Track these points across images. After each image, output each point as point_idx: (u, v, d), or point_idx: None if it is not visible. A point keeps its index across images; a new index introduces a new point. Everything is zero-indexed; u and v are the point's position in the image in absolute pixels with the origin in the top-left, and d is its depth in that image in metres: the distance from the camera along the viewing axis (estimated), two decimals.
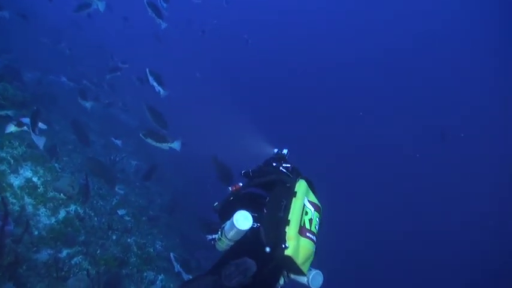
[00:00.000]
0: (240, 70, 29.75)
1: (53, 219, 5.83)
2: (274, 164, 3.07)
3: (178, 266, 6.74)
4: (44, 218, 5.76)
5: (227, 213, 2.55)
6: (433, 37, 31.27)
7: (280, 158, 3.18)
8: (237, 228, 2.25)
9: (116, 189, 8.92)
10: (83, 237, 5.80)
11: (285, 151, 3.24)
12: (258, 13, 36.87)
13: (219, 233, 2.47)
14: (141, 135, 6.68)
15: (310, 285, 2.42)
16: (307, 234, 2.39)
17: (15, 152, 6.41)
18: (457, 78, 29.91)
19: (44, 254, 5.10)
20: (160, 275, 6.62)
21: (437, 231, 20.07)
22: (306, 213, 2.48)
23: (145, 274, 6.26)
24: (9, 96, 6.99)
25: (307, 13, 36.87)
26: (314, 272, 2.45)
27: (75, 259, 5.45)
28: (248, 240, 2.35)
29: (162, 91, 7.22)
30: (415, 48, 32.07)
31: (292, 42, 34.20)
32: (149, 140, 6.59)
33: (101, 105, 12.74)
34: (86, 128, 11.05)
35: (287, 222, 2.35)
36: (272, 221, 2.38)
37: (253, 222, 2.31)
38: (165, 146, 6.62)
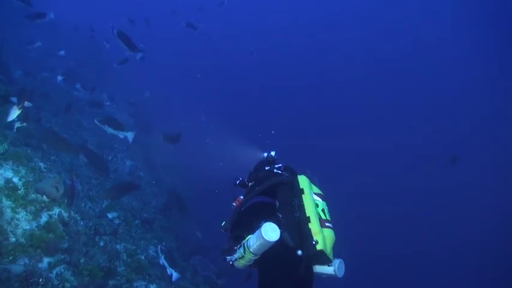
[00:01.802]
0: (239, 72, 29.44)
1: (34, 224, 5.30)
2: (266, 168, 3.09)
3: (163, 258, 6.33)
4: (24, 223, 5.23)
5: (241, 230, 2.58)
6: (433, 42, 30.93)
7: (270, 161, 3.21)
8: (267, 241, 2.20)
9: None
10: (66, 244, 5.26)
11: (272, 153, 3.25)
12: (255, 14, 36.48)
13: (241, 250, 2.42)
14: (96, 121, 6.59)
15: (337, 274, 2.45)
16: (326, 224, 2.47)
17: None
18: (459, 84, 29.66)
19: (21, 264, 4.56)
20: (152, 284, 6.10)
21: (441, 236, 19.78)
22: (317, 206, 2.54)
23: (135, 284, 5.74)
24: None
25: (306, 16, 36.35)
26: (338, 261, 2.49)
27: (56, 269, 4.93)
28: (275, 250, 2.30)
29: (132, 54, 6.98)
30: (415, 51, 31.80)
31: (296, 46, 33.79)
32: (106, 127, 6.55)
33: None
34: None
35: (308, 220, 2.40)
36: (292, 223, 2.41)
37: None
38: (120, 134, 6.90)
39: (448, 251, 18.93)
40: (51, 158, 7.52)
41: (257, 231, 2.28)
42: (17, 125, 6.50)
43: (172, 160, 14.90)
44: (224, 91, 24.56)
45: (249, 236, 2.38)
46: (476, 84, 28.68)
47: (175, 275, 6.22)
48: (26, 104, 5.45)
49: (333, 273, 2.45)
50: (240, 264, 2.49)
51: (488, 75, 27.62)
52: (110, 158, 9.89)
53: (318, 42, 35.06)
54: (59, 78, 10.10)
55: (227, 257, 2.58)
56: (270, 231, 2.21)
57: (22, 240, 4.92)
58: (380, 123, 28.57)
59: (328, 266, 2.47)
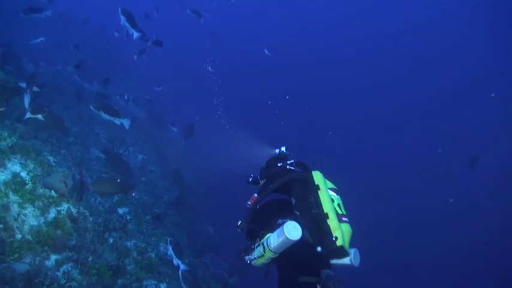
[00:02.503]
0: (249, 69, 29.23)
1: (42, 220, 5.13)
2: (279, 164, 3.02)
3: (171, 249, 6.19)
4: (32, 219, 5.07)
5: (258, 228, 2.63)
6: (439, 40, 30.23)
7: (282, 157, 3.15)
8: (289, 239, 2.21)
9: None
10: (74, 242, 5.09)
11: (283, 148, 3.21)
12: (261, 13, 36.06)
13: (260, 249, 2.43)
14: (92, 107, 6.51)
15: (353, 263, 2.46)
16: (343, 218, 2.49)
17: (2, 143, 5.72)
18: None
19: (26, 263, 4.39)
20: (162, 283, 5.91)
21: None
22: (333, 201, 2.54)
23: (145, 283, 5.55)
24: None
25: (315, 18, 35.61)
26: (353, 250, 2.48)
27: (63, 267, 4.75)
28: (294, 247, 2.29)
29: (135, 33, 6.89)
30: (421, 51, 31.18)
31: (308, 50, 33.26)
32: (102, 113, 6.67)
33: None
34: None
35: (326, 216, 2.41)
36: (310, 219, 2.43)
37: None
38: (117, 120, 6.84)
39: (451, 251, 18.64)
40: (61, 151, 7.39)
41: (278, 230, 2.29)
42: (28, 115, 6.41)
43: (185, 154, 14.75)
44: (235, 87, 24.40)
45: (269, 235, 2.41)
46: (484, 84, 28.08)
47: (182, 267, 6.07)
48: (35, 89, 5.37)
49: (350, 262, 2.46)
50: (258, 262, 2.52)
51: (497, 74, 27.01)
52: (121, 151, 9.73)
53: (329, 40, 34.56)
54: (69, 68, 9.92)
55: (245, 257, 2.60)
56: (293, 230, 2.21)
57: (28, 237, 4.75)
58: (389, 123, 28.43)
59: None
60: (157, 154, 12.74)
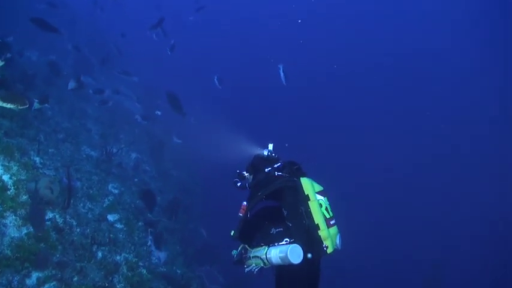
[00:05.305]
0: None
1: (24, 231, 4.65)
2: (266, 170, 2.96)
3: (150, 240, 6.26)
4: (13, 230, 4.59)
5: (253, 238, 2.80)
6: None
7: (270, 159, 3.08)
8: (291, 262, 2.36)
9: (109, 187, 7.75)
10: (58, 257, 4.61)
11: (270, 146, 3.15)
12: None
13: (259, 262, 2.62)
14: None
15: (338, 247, 2.66)
16: (331, 222, 2.62)
17: None
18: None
19: (4, 281, 3.93)
20: None
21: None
22: (321, 206, 2.61)
23: None
24: None
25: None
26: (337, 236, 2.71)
27: (46, 286, 4.29)
28: None
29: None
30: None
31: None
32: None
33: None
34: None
35: (317, 227, 2.52)
36: (301, 231, 2.54)
37: (287, 238, 2.55)
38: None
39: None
40: (49, 150, 6.87)
41: (281, 251, 2.43)
42: (36, 105, 6.26)
43: (180, 152, 14.27)
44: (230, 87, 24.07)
45: (265, 248, 2.59)
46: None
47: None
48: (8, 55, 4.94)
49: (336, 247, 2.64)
50: (253, 269, 2.75)
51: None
52: (114, 150, 9.22)
53: (332, 40, 34.23)
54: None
55: (245, 268, 2.80)
56: (296, 256, 2.37)
57: (7, 252, 4.27)
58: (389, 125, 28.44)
59: None
60: (152, 152, 12.23)
